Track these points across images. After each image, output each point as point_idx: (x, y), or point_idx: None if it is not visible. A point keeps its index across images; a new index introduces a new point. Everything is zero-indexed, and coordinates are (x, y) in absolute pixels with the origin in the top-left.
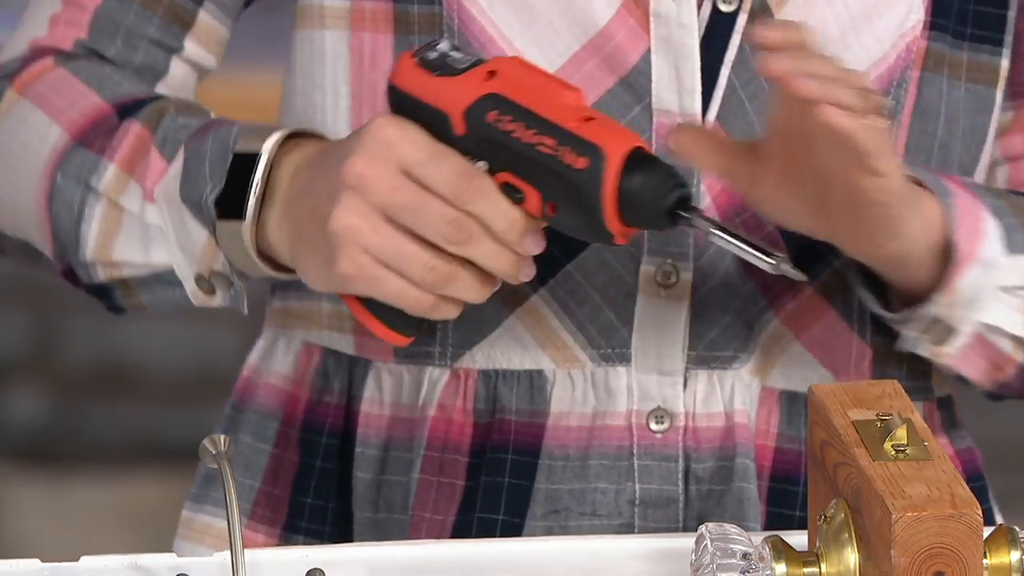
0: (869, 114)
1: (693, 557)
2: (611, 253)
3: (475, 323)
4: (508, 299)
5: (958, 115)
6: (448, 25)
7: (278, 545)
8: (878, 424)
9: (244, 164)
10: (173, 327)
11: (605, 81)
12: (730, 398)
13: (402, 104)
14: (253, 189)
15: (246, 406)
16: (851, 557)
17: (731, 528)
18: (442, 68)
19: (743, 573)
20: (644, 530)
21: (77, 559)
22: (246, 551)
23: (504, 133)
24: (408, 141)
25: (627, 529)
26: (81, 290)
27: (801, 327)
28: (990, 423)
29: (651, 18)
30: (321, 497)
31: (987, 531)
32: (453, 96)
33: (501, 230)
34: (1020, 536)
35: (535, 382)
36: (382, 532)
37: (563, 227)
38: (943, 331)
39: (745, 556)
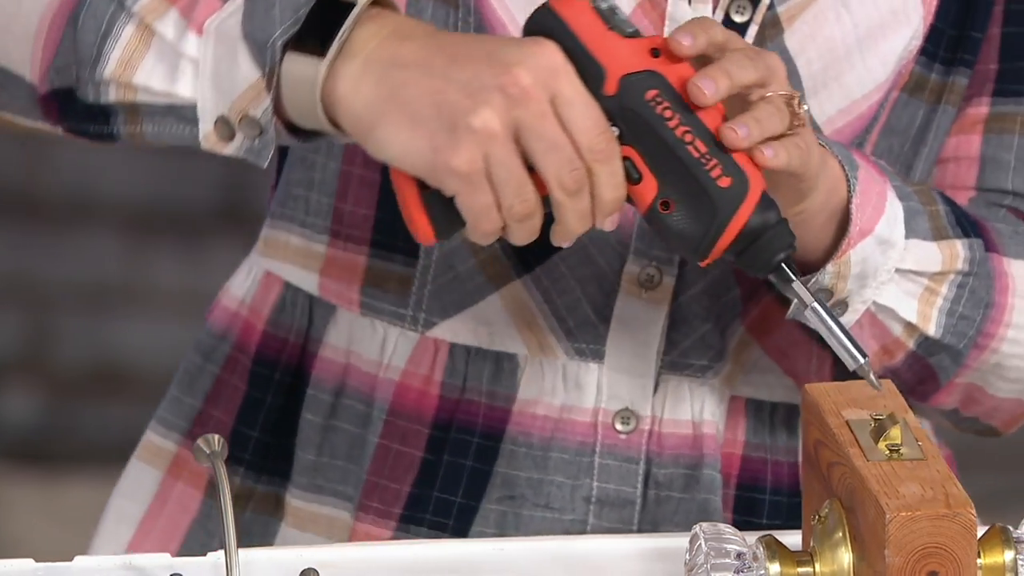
0: (796, 127)
1: (687, 556)
2: (597, 249)
3: (454, 295)
4: (493, 277)
5: (927, 136)
6: (464, 2)
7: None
8: (872, 424)
9: (319, 14)
10: (168, 327)
11: None
12: (700, 408)
13: (555, 34)
14: (341, 34)
15: (204, 325)
16: (845, 557)
17: (725, 527)
18: (613, 23)
19: (737, 572)
20: (597, 529)
21: (71, 559)
22: (240, 551)
23: (659, 117)
24: (570, 78)
25: (580, 526)
26: (52, 124)
27: (764, 334)
28: None
29: (666, 21)
30: (267, 433)
31: (981, 530)
32: (618, 56)
33: (605, 199)
34: (1013, 536)
35: (506, 365)
36: (322, 476)
37: (660, 224)
38: (835, 307)
39: (739, 556)
